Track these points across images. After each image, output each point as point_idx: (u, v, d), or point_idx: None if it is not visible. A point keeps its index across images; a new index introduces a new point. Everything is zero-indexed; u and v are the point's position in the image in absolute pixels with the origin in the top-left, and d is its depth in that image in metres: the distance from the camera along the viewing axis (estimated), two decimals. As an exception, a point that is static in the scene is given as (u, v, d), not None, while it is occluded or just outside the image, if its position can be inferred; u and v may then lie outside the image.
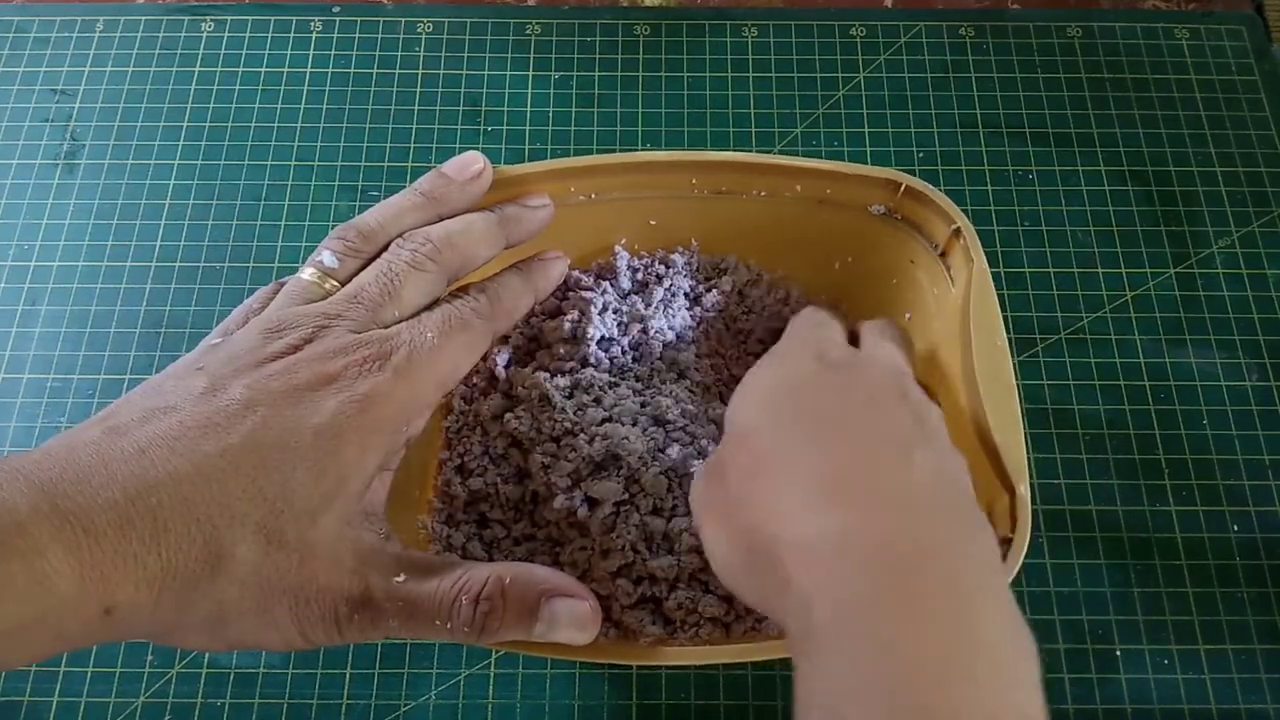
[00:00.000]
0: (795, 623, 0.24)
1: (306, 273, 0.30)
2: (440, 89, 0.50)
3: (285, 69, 0.51)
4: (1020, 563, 0.29)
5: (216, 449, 0.24)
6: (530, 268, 0.35)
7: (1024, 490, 0.30)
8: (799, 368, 0.30)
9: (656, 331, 0.37)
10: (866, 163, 0.47)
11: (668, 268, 0.39)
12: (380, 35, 0.52)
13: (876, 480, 0.25)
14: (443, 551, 0.34)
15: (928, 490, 0.25)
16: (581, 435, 0.35)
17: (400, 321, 0.30)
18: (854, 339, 0.34)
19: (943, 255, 0.36)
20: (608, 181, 0.37)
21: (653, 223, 0.39)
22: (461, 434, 0.37)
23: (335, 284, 0.30)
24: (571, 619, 0.28)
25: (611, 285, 0.38)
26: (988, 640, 0.22)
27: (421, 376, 0.28)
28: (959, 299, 0.35)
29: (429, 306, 0.31)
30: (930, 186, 0.35)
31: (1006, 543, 0.29)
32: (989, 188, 0.48)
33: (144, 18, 0.52)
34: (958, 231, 0.35)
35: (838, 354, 0.31)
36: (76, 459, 0.23)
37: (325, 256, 0.30)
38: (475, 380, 0.38)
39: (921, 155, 0.48)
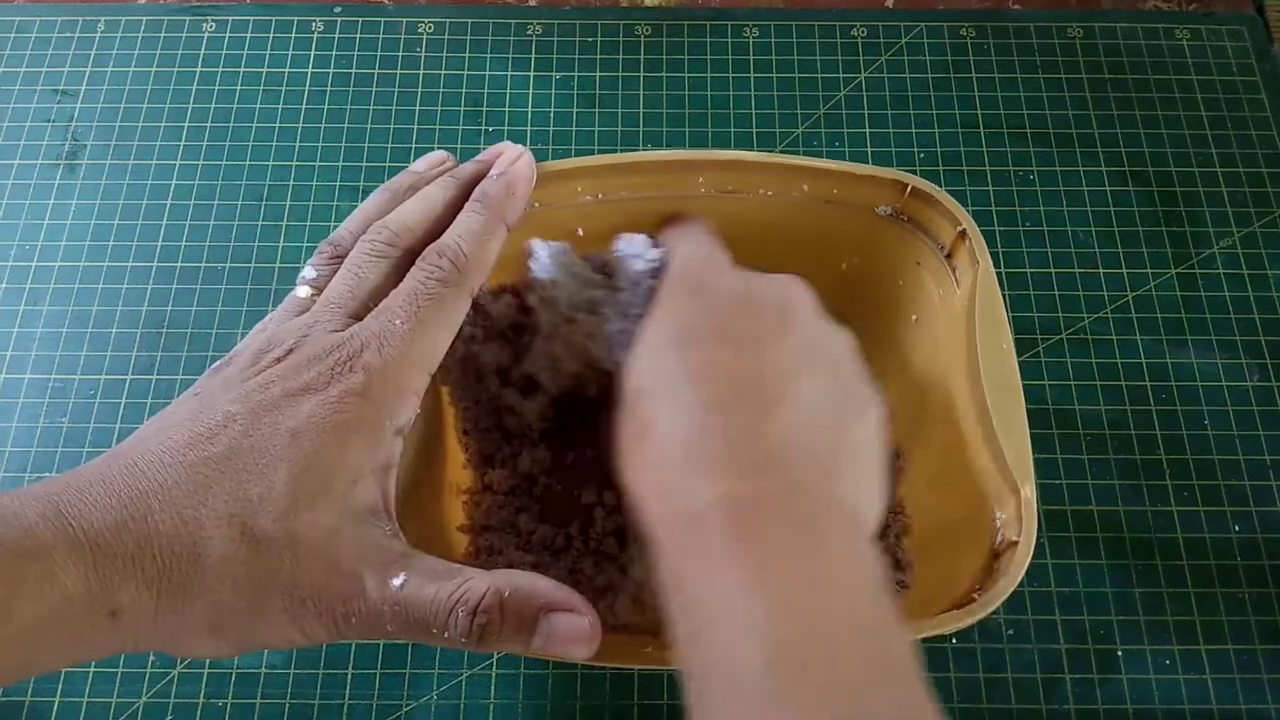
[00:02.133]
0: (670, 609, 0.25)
1: (299, 289, 0.31)
2: (441, 89, 0.50)
3: (286, 69, 0.51)
4: (1027, 565, 0.29)
5: (200, 458, 0.25)
6: (486, 196, 0.32)
7: (1029, 492, 0.30)
8: (679, 311, 0.29)
9: None
10: (868, 163, 0.47)
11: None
12: (381, 35, 0.52)
13: (737, 445, 0.26)
14: (481, 552, 0.36)
15: (787, 441, 0.26)
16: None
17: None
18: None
19: (948, 257, 0.36)
20: (614, 182, 0.37)
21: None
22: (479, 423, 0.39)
23: (317, 293, 0.30)
24: (569, 635, 0.28)
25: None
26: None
27: (396, 366, 0.28)
28: (964, 300, 0.35)
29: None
30: (936, 188, 0.35)
31: (1013, 546, 0.29)
32: (990, 188, 0.48)
33: (145, 18, 0.52)
34: (963, 233, 0.35)
35: (714, 279, 0.30)
36: (80, 476, 0.25)
37: (307, 270, 0.31)
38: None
39: (922, 155, 0.48)
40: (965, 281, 0.35)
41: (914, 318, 0.38)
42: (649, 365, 0.28)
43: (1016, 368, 0.32)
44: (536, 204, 0.37)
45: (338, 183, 0.48)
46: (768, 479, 0.25)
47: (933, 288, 0.37)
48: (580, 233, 0.39)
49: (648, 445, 0.27)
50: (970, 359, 0.33)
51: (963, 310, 0.34)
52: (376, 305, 0.30)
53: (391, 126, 0.49)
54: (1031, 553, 0.29)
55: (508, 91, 0.50)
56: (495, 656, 0.39)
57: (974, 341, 0.33)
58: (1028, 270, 0.46)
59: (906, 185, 0.36)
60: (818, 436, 0.26)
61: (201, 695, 0.38)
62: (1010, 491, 0.30)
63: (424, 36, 0.52)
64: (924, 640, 0.28)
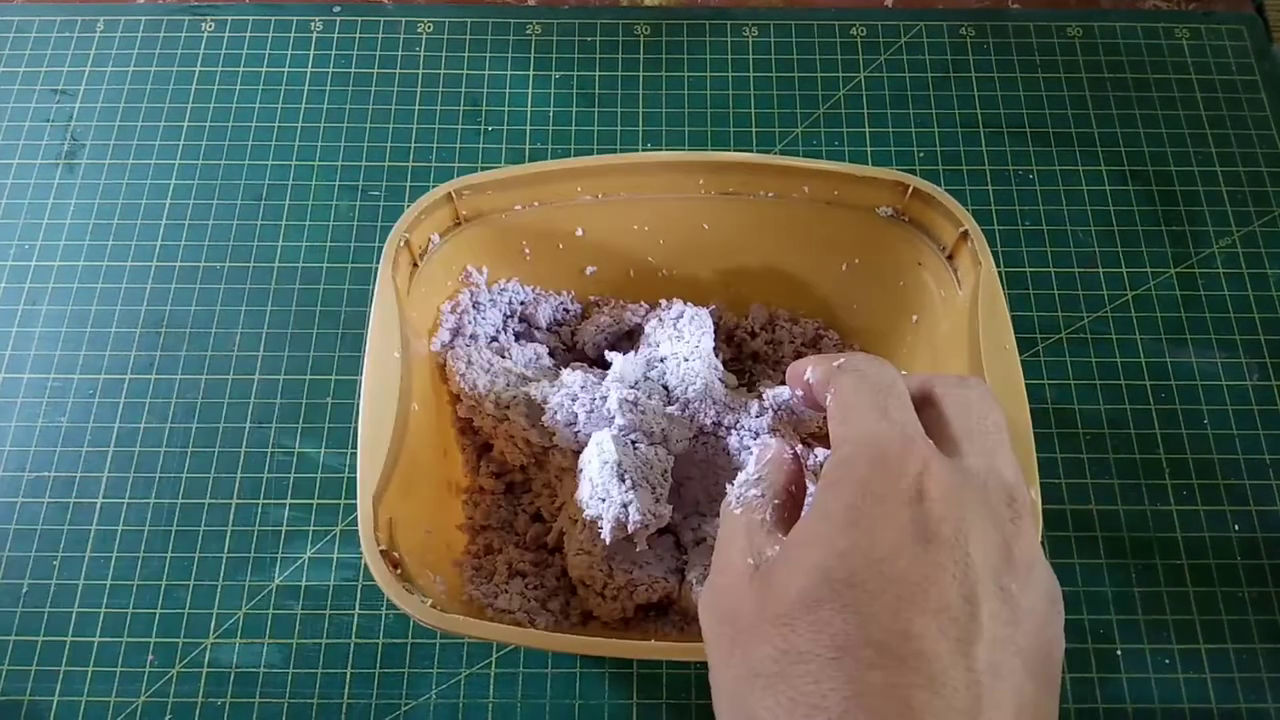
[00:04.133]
0: None
1: None
2: (441, 89, 0.50)
3: (285, 69, 0.51)
4: None
5: None
6: None
7: (1034, 493, 0.30)
8: (883, 535, 0.20)
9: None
10: (867, 163, 0.48)
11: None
12: (380, 35, 0.52)
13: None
14: (481, 550, 0.37)
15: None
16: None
17: None
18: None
19: (950, 257, 0.36)
20: (614, 182, 0.37)
21: (658, 239, 0.39)
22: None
23: None
24: None
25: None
26: None
27: None
28: (966, 301, 0.34)
29: None
30: (938, 189, 0.35)
31: None
32: (989, 187, 0.48)
33: (144, 18, 0.52)
34: (965, 234, 0.35)
35: (936, 486, 0.21)
36: None
37: None
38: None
39: (922, 155, 0.48)
40: (967, 282, 0.35)
41: (914, 318, 0.38)
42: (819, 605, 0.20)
43: (1020, 368, 0.32)
44: (536, 203, 0.38)
45: (337, 182, 0.48)
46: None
47: (934, 288, 0.37)
48: (580, 233, 0.39)
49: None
50: (973, 360, 0.33)
51: (965, 311, 0.34)
52: None
53: (391, 126, 0.49)
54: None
55: (506, 91, 0.50)
56: (494, 655, 0.39)
57: (976, 342, 0.33)
58: (1027, 270, 0.46)
59: (908, 186, 0.36)
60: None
61: (200, 694, 0.38)
62: None
63: (423, 36, 0.52)
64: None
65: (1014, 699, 0.19)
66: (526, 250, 0.39)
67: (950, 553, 0.20)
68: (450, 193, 0.36)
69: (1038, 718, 0.20)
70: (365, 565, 0.31)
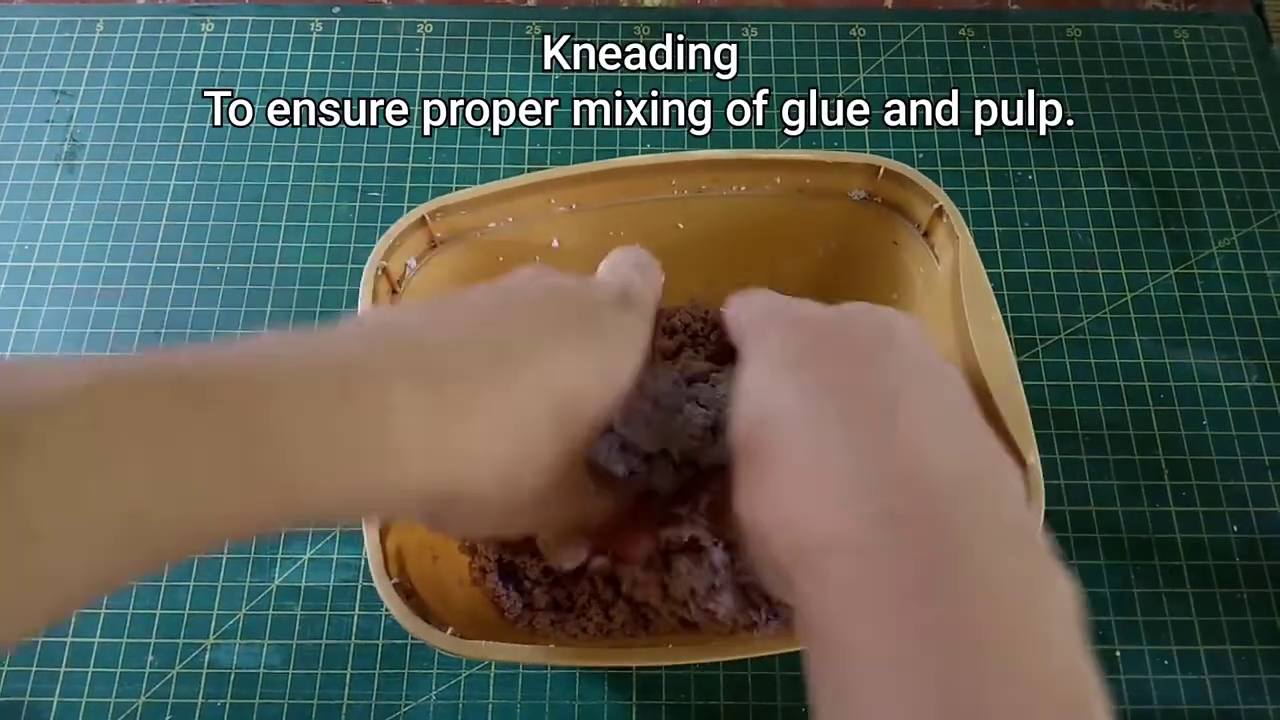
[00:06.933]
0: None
1: None
2: (440, 89, 0.50)
3: (285, 69, 0.51)
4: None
5: None
6: None
7: (1034, 460, 0.29)
8: (778, 344, 0.26)
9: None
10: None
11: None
12: (380, 36, 0.52)
13: (864, 460, 0.22)
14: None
15: (917, 448, 0.23)
16: None
17: None
18: None
19: (926, 235, 0.36)
20: (585, 190, 0.37)
21: (634, 242, 0.39)
22: None
23: None
24: None
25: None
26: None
27: None
28: (946, 275, 0.35)
29: None
30: (909, 168, 0.35)
31: None
32: (989, 188, 0.48)
33: (144, 18, 0.52)
34: (940, 210, 0.35)
35: (808, 310, 0.27)
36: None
37: None
38: None
39: (921, 156, 0.48)
40: (945, 258, 0.35)
41: (894, 296, 0.38)
42: (755, 400, 0.26)
43: (1007, 339, 0.32)
44: (510, 219, 0.37)
45: (336, 183, 0.48)
46: (905, 495, 0.22)
47: (912, 266, 0.37)
48: (556, 245, 0.39)
49: (768, 477, 0.24)
50: (960, 334, 0.33)
51: (946, 287, 0.34)
52: None
53: (390, 127, 0.49)
54: (1041, 523, 0.29)
55: (506, 91, 0.50)
56: (494, 657, 0.39)
57: (962, 317, 0.32)
58: (1026, 271, 0.46)
59: (879, 168, 0.36)
60: (946, 440, 0.23)
61: (200, 695, 0.38)
62: (1016, 462, 0.30)
63: (423, 37, 0.52)
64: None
65: None
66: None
67: None
68: (424, 216, 0.36)
69: None
70: (365, 566, 0.31)
